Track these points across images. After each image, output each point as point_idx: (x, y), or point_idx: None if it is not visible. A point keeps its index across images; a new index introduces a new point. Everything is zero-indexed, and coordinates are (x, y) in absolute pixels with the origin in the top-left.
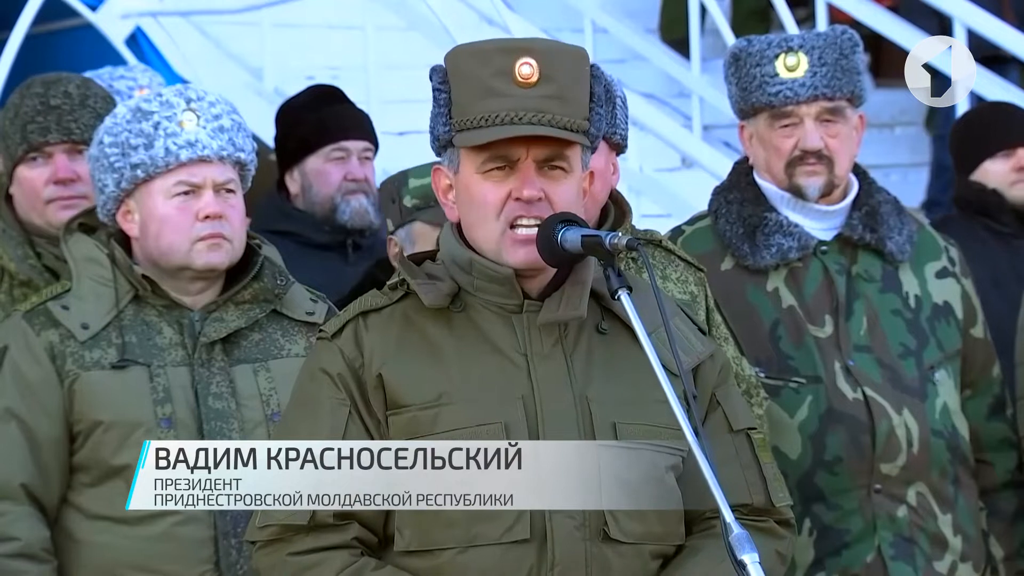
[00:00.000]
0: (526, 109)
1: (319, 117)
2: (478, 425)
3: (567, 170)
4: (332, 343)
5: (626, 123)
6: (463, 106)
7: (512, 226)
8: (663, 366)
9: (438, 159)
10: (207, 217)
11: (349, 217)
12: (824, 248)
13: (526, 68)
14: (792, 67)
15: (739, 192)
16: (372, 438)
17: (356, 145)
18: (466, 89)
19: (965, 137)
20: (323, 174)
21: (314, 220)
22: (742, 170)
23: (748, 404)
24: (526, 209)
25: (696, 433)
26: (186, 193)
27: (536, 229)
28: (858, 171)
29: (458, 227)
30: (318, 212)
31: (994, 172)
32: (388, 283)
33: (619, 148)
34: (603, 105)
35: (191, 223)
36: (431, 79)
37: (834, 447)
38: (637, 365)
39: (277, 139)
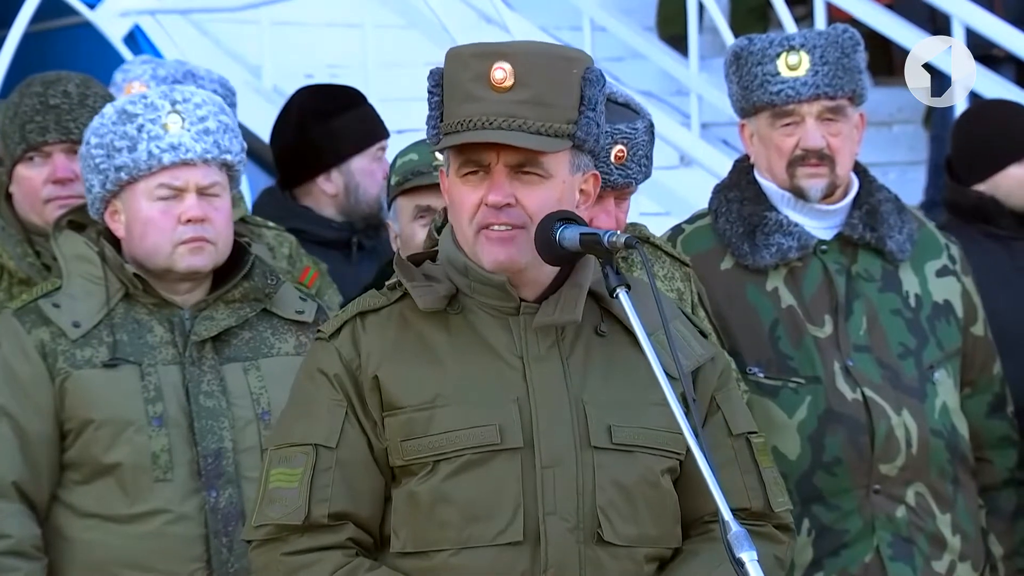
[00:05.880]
0: (497, 114)
1: (361, 116)
2: (472, 427)
3: (543, 176)
4: (330, 343)
5: None
6: (447, 110)
7: (484, 228)
8: (663, 369)
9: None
10: (189, 221)
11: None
12: (824, 247)
13: (499, 73)
14: (794, 66)
15: (739, 191)
16: (368, 439)
17: (386, 143)
18: (450, 93)
19: (980, 143)
20: (370, 173)
21: (320, 217)
22: (743, 168)
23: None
24: (495, 215)
25: (696, 435)
26: (169, 196)
27: (507, 231)
28: (858, 169)
29: None
30: (364, 211)
31: (1018, 177)
32: (387, 283)
33: None
34: (595, 108)
35: (173, 226)
36: (428, 81)
37: (833, 448)
38: (635, 367)
39: (311, 141)
